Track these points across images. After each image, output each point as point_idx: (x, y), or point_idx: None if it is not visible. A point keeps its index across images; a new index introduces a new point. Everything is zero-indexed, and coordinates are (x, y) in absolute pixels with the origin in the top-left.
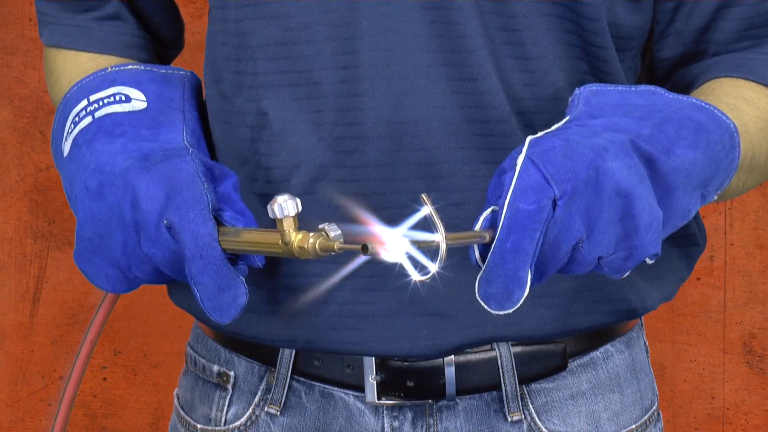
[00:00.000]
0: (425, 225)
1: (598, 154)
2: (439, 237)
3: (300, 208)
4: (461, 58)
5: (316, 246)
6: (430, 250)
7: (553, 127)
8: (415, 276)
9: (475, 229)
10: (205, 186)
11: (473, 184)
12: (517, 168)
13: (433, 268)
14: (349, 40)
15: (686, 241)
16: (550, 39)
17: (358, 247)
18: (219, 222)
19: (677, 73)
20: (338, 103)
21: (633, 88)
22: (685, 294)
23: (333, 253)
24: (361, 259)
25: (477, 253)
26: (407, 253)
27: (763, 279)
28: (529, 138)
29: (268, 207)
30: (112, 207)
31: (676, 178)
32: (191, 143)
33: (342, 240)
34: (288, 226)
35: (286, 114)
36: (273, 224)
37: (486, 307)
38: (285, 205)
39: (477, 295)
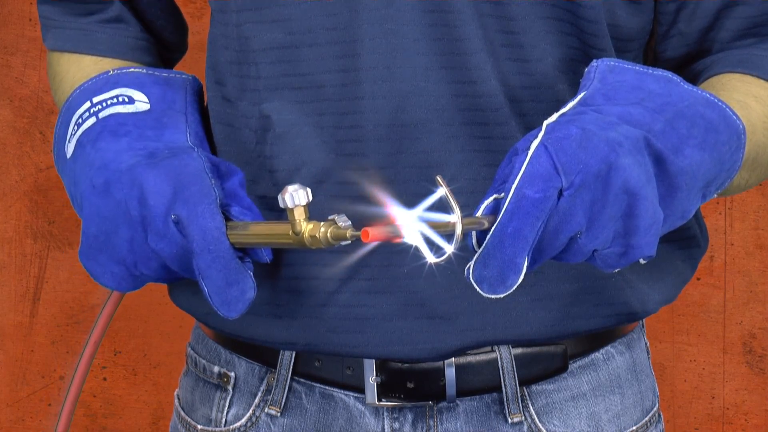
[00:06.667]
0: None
1: (612, 149)
2: (455, 218)
3: (311, 197)
4: (460, 61)
5: (328, 234)
6: (444, 233)
7: (568, 107)
8: (431, 258)
9: (477, 215)
10: (213, 181)
11: (473, 187)
12: (530, 153)
13: (449, 249)
14: (350, 43)
15: (688, 243)
16: (550, 41)
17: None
18: (227, 217)
19: (681, 71)
20: (340, 106)
21: (650, 71)
22: (685, 294)
23: (344, 243)
24: (375, 242)
25: (474, 239)
26: (422, 235)
27: (763, 279)
28: (546, 122)
29: (279, 197)
30: (119, 203)
31: (682, 179)
32: (194, 144)
33: (353, 228)
34: (299, 215)
35: (289, 117)
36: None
37: (478, 289)
38: (296, 195)
39: (470, 276)
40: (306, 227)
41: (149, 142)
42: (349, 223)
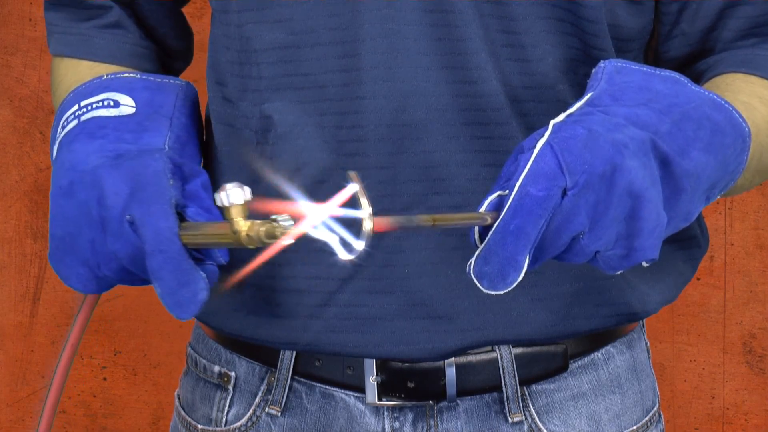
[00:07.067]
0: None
1: (618, 150)
2: (364, 214)
3: (249, 196)
4: (461, 61)
5: (261, 233)
6: (361, 229)
7: (575, 107)
8: (343, 255)
9: (480, 211)
10: (171, 182)
11: (474, 187)
12: (535, 151)
13: (360, 246)
14: (352, 43)
15: (689, 243)
16: (550, 41)
17: (302, 232)
18: (183, 218)
19: (684, 71)
20: (341, 106)
21: (657, 71)
22: (685, 294)
23: (285, 242)
24: (286, 241)
25: (477, 234)
26: (336, 232)
27: (763, 279)
28: (552, 122)
29: (215, 195)
30: (81, 204)
31: (687, 182)
32: (174, 148)
33: (291, 227)
34: (236, 214)
35: (290, 117)
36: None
37: (478, 284)
38: (231, 193)
39: (471, 272)
40: (244, 226)
41: (123, 145)
42: (292, 222)
